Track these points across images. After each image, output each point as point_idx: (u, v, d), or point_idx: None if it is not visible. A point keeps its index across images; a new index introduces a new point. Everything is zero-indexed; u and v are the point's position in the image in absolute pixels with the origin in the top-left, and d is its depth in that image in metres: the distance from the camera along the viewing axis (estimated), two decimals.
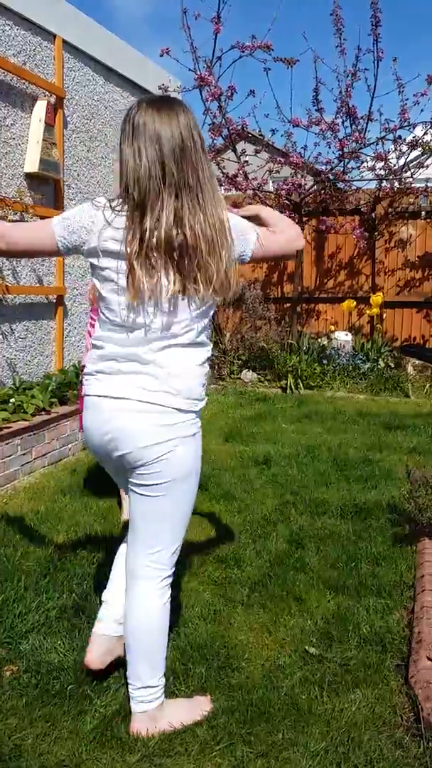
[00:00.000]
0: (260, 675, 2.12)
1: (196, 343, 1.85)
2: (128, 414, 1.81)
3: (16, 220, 4.93)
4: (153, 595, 1.88)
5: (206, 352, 1.89)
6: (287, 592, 2.64)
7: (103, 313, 1.85)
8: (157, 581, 1.88)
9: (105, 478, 4.06)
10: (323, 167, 7.60)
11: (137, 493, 1.87)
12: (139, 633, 1.88)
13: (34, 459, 4.22)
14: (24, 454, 4.10)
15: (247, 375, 7.80)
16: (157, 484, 1.83)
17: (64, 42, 5.44)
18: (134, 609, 1.89)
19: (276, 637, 2.34)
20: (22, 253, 1.91)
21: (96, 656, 2.03)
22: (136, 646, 1.88)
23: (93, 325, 3.16)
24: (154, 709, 1.87)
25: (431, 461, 4.42)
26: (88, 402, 1.90)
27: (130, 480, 1.88)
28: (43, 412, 4.41)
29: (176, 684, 2.06)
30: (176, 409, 1.81)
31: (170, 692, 2.01)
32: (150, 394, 1.80)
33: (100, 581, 2.67)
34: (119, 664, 2.04)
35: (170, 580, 1.91)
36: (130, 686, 1.89)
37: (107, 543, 3.05)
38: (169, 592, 1.91)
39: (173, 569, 1.91)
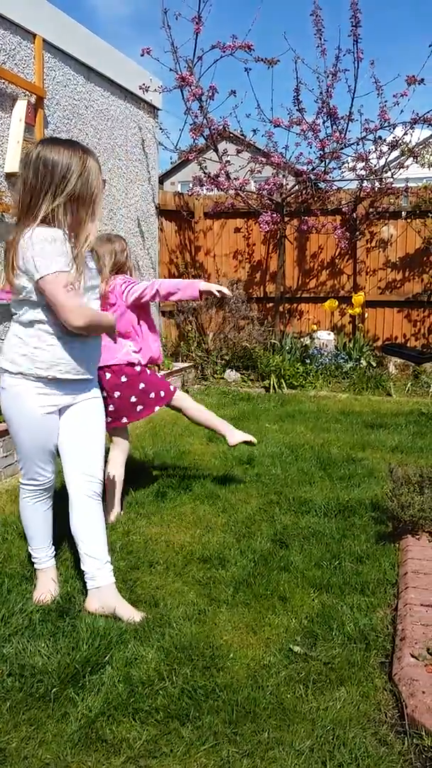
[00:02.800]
0: (245, 674, 2.12)
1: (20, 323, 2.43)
2: None
3: None
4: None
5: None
6: (272, 591, 2.64)
7: None
8: None
9: None
10: (304, 167, 7.62)
11: None
12: None
13: (17, 461, 4.18)
14: (6, 456, 4.07)
15: (231, 375, 7.80)
16: None
17: (44, 41, 5.40)
18: None
19: (261, 636, 2.35)
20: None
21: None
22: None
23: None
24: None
25: (413, 459, 4.46)
26: None
27: None
28: None
29: (161, 683, 2.05)
30: None
31: (154, 692, 2.01)
32: None
33: (84, 584, 2.66)
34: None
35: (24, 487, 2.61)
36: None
37: None
38: (24, 493, 2.63)
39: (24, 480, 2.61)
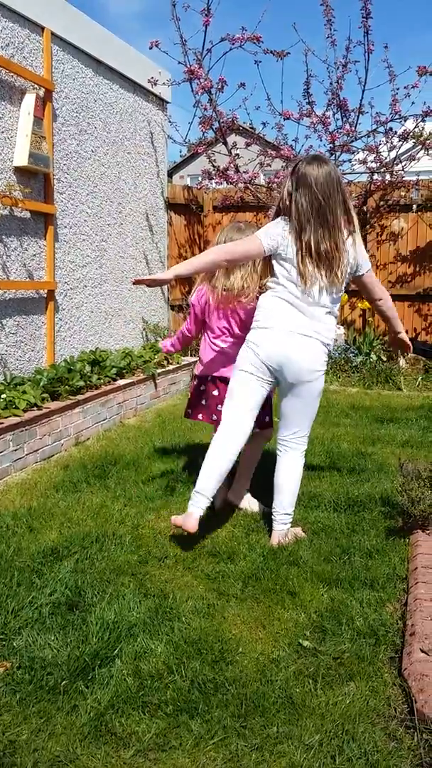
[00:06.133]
0: (254, 669, 2.12)
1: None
2: None
3: (6, 215, 4.90)
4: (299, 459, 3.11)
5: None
6: (281, 585, 2.64)
7: None
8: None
9: (97, 474, 4.05)
10: None
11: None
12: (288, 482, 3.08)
13: (26, 455, 4.20)
14: (15, 450, 4.08)
15: None
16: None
17: (53, 34, 5.39)
18: (285, 468, 3.09)
19: (270, 630, 2.35)
20: (236, 262, 3.02)
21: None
22: (287, 488, 3.07)
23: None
24: (287, 529, 3.05)
25: (423, 454, 4.44)
26: None
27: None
28: (34, 408, 4.39)
29: (170, 677, 2.06)
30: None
31: (163, 685, 2.01)
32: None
33: (93, 577, 2.67)
34: None
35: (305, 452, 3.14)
36: (275, 514, 3.06)
37: (100, 538, 3.05)
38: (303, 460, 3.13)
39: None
